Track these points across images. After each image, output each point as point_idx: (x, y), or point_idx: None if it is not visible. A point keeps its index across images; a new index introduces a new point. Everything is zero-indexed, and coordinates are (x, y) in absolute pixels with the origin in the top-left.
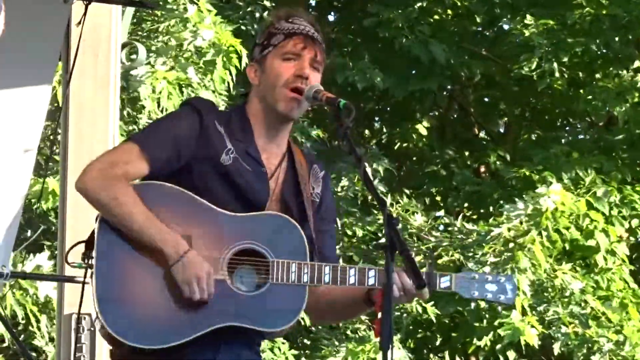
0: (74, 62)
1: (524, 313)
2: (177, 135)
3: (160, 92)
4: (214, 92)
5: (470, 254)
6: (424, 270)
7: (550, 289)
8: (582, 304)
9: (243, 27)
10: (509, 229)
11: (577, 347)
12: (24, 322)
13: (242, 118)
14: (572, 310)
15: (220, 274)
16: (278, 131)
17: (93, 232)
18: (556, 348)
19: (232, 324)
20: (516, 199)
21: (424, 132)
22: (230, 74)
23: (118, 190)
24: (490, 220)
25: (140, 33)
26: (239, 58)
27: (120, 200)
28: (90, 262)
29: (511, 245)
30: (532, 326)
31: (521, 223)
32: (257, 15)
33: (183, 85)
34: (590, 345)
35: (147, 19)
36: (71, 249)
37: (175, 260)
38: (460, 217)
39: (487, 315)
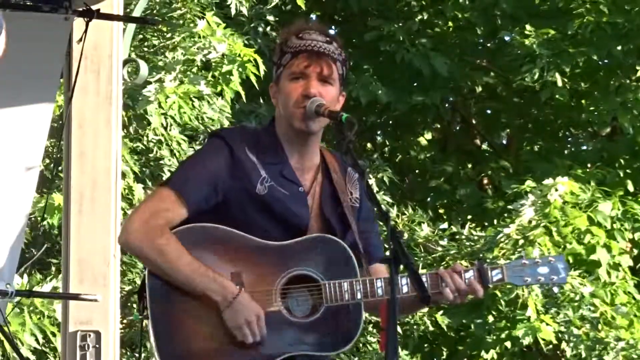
0: (76, 79)
1: (538, 313)
2: (211, 172)
3: (170, 107)
4: (220, 110)
5: (480, 260)
6: (474, 265)
7: (560, 294)
8: (592, 308)
9: (247, 42)
10: (517, 228)
11: (588, 348)
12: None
13: (272, 139)
14: (583, 314)
15: (274, 305)
16: (306, 147)
17: (143, 283)
18: (568, 350)
19: (293, 354)
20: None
21: (425, 144)
22: (243, 84)
23: (161, 242)
24: (496, 223)
25: (146, 50)
26: (256, 66)
27: (165, 252)
28: (145, 313)
29: (521, 242)
30: (548, 324)
31: (530, 222)
32: (261, 30)
33: (195, 98)
34: (602, 346)
35: (153, 36)
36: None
37: (225, 307)
38: (467, 225)
39: (494, 327)
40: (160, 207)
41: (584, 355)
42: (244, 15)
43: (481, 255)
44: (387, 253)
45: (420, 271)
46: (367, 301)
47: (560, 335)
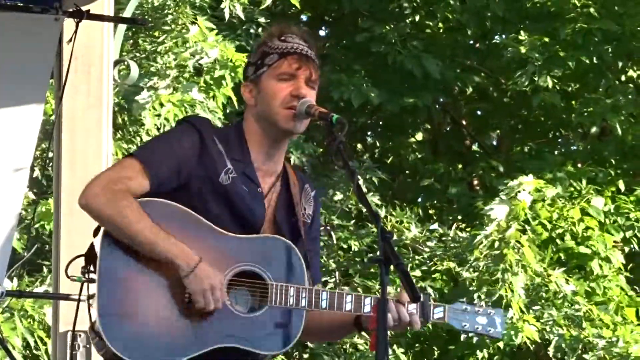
0: (66, 79)
1: (522, 312)
2: (178, 152)
3: (167, 115)
4: (211, 111)
5: (464, 261)
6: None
7: (544, 293)
8: (576, 306)
9: (238, 43)
10: (495, 229)
11: (572, 348)
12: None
13: (240, 138)
14: (566, 312)
15: None
16: (275, 149)
17: (92, 246)
18: (551, 350)
19: (232, 345)
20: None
21: (416, 145)
22: (235, 89)
23: (123, 205)
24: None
25: (138, 54)
26: None
27: (126, 214)
28: (89, 276)
29: (497, 244)
30: (531, 324)
31: (507, 224)
32: (253, 32)
33: (188, 106)
34: (584, 345)
35: (145, 41)
36: (70, 262)
37: (188, 272)
38: (453, 226)
39: None
40: (122, 175)
41: (567, 354)
42: (238, 17)
43: (464, 256)
44: (378, 253)
45: (366, 294)
46: (311, 312)
47: (545, 334)
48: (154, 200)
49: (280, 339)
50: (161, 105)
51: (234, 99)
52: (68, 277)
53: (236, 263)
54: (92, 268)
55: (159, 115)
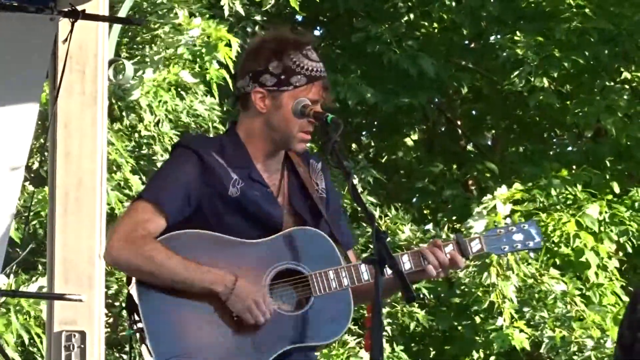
0: (61, 79)
1: (511, 318)
2: (183, 180)
3: (147, 93)
4: (208, 109)
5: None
6: (452, 239)
7: (536, 294)
8: (567, 306)
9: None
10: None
11: (563, 351)
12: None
13: (237, 143)
14: (557, 313)
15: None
16: (276, 153)
17: (130, 296)
18: (543, 350)
19: (293, 346)
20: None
21: (411, 145)
22: (227, 68)
23: (148, 249)
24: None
25: (135, 46)
26: (230, 47)
27: (154, 257)
28: (137, 326)
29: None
30: (521, 330)
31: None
32: (249, 30)
33: (179, 88)
34: (575, 347)
35: (141, 31)
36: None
37: (228, 295)
38: (445, 227)
39: (482, 328)
40: (139, 219)
41: (558, 354)
42: (235, 15)
43: None
44: (372, 254)
45: (402, 252)
46: (355, 287)
47: (535, 338)
48: (174, 234)
49: (337, 322)
50: (146, 92)
51: (229, 79)
52: (126, 336)
53: (270, 266)
54: (136, 317)
55: (151, 107)
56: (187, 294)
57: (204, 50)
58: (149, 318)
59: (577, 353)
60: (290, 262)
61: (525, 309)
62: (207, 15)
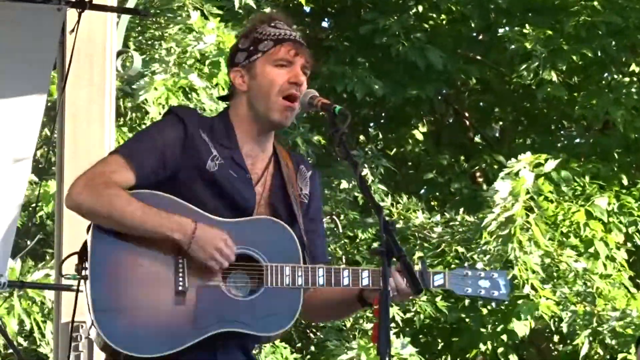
0: (68, 70)
1: (536, 289)
2: (162, 144)
3: (158, 99)
4: (214, 99)
5: (474, 245)
6: (417, 268)
7: (555, 272)
8: (587, 283)
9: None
10: (501, 210)
11: (583, 326)
12: (25, 329)
13: (226, 124)
14: (578, 290)
15: (214, 280)
16: (265, 137)
17: (85, 243)
18: (564, 326)
19: (229, 330)
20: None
21: (420, 137)
22: None
23: (109, 194)
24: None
25: (144, 41)
26: None
27: (113, 202)
28: (84, 273)
29: (504, 225)
30: (547, 298)
31: (512, 203)
32: None
33: (188, 91)
34: (598, 318)
35: (151, 27)
36: (64, 260)
37: (189, 243)
38: (460, 211)
39: (490, 321)
40: (106, 169)
41: (577, 332)
42: (244, 7)
43: (473, 239)
44: (380, 244)
45: (363, 267)
46: (308, 289)
47: (557, 311)
48: (142, 191)
49: (279, 319)
50: (155, 90)
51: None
52: (62, 276)
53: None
54: (86, 265)
55: (163, 106)
56: (143, 244)
57: (221, 59)
58: (95, 267)
59: (600, 326)
60: (250, 248)
61: (546, 286)
62: (219, 19)
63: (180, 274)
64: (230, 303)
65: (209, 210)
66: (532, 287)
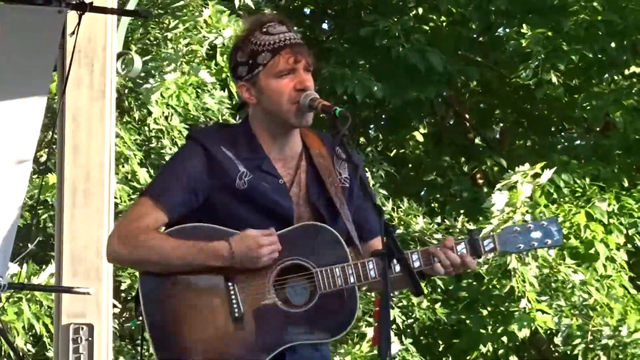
0: (69, 72)
1: (534, 301)
2: (186, 173)
3: (170, 97)
4: (219, 101)
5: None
6: (466, 238)
7: (553, 283)
8: (585, 296)
9: None
10: (499, 222)
11: (578, 336)
12: (34, 333)
13: (249, 134)
14: (575, 302)
15: (268, 298)
16: (288, 137)
17: (138, 289)
18: (559, 339)
19: (295, 344)
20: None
21: (420, 138)
22: None
23: (143, 240)
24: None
25: (148, 42)
26: None
27: (149, 245)
28: (141, 318)
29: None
30: (544, 312)
31: (509, 214)
32: None
33: (199, 88)
34: (591, 333)
35: (154, 28)
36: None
37: (232, 259)
38: (460, 218)
39: (490, 322)
40: (138, 214)
41: (576, 345)
42: (245, 7)
43: None
44: (380, 247)
45: (411, 250)
46: (361, 284)
47: (554, 324)
48: (184, 226)
49: (340, 320)
50: (167, 89)
51: None
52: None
53: (277, 262)
54: (141, 309)
55: (167, 105)
56: (187, 279)
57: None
58: (147, 308)
59: (594, 341)
60: (297, 257)
61: (543, 298)
62: (232, 16)
63: (234, 300)
64: (289, 317)
65: (251, 226)
66: (529, 301)
